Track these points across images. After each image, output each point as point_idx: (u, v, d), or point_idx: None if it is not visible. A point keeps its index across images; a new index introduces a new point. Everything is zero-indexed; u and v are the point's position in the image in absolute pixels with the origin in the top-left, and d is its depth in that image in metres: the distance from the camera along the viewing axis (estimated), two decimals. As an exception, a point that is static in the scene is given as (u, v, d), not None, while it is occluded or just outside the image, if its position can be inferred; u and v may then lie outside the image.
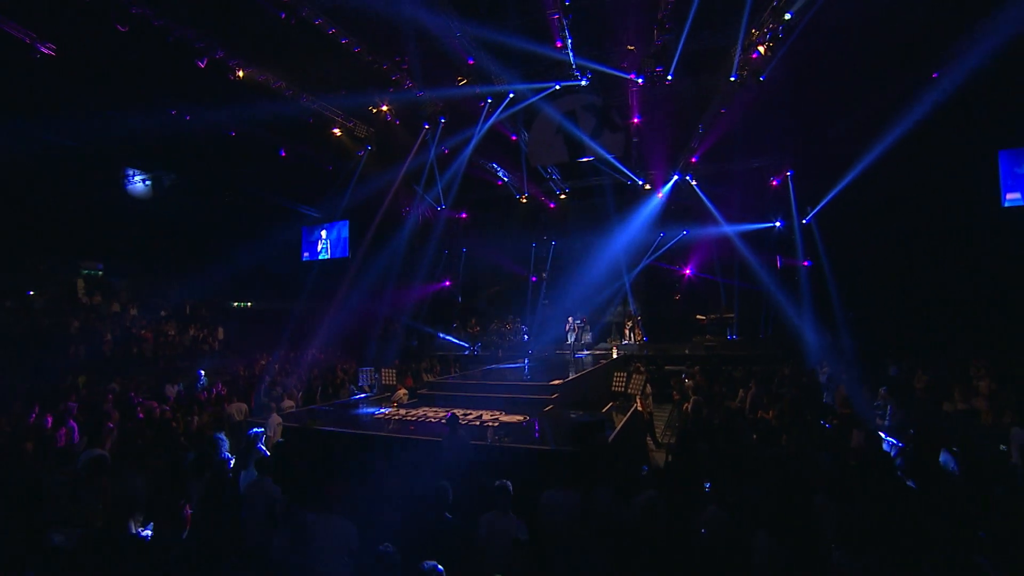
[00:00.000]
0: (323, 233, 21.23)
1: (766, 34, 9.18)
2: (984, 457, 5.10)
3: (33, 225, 15.21)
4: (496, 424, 6.49)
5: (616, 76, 11.52)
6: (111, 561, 3.42)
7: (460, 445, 5.46)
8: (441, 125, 14.49)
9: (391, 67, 11.79)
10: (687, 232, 17.55)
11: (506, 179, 17.78)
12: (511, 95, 12.86)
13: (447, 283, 21.47)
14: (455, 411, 6.59)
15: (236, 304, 21.25)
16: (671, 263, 18.32)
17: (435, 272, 20.53)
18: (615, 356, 13.29)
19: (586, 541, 3.11)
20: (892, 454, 5.48)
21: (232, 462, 5.73)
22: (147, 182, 18.94)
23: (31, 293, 14.90)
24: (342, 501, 3.45)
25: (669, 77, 10.69)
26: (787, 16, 8.59)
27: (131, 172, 18.45)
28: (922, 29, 10.02)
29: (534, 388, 8.33)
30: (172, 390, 10.36)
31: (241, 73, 11.18)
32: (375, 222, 17.93)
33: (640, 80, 11.16)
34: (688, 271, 18.13)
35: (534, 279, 20.39)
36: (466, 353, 17.00)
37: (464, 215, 20.45)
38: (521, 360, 13.01)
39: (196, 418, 8.14)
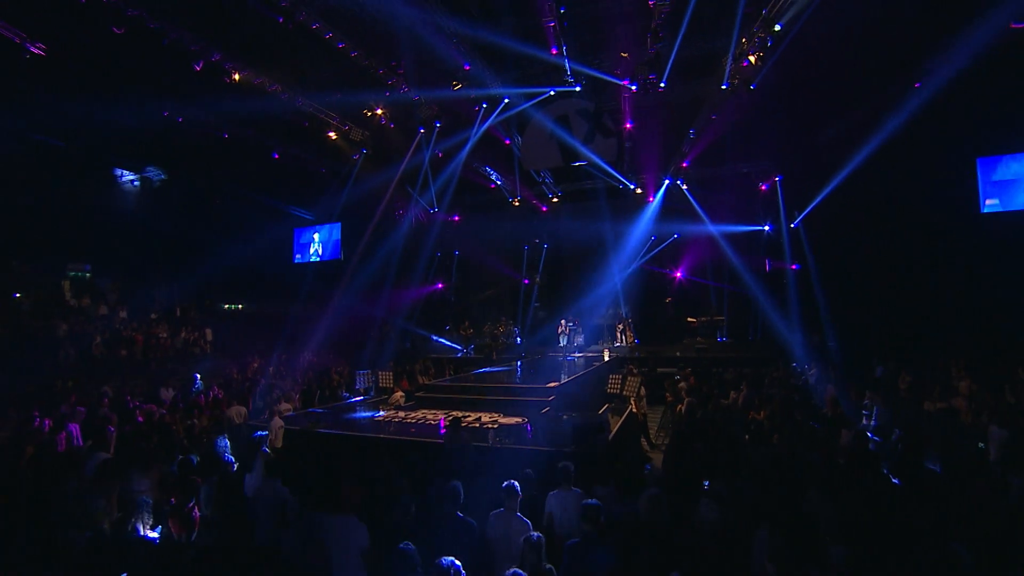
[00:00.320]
0: (315, 235, 21.20)
1: (756, 44, 9.43)
2: (964, 454, 5.33)
3: (19, 226, 14.96)
4: (496, 426, 6.62)
5: (609, 82, 11.71)
6: (121, 563, 3.47)
7: (462, 446, 5.59)
8: (436, 129, 14.58)
9: (387, 71, 11.85)
10: (677, 235, 17.82)
11: (499, 182, 17.88)
12: (506, 100, 13.00)
13: (440, 285, 21.52)
14: (454, 413, 6.71)
15: (226, 306, 21.06)
16: (662, 266, 18.56)
17: (428, 274, 20.57)
18: (607, 358, 13.45)
19: (593, 538, 3.24)
20: (878, 453, 5.70)
21: (235, 465, 5.79)
22: (135, 182, 18.76)
23: (17, 296, 14.65)
24: (356, 502, 3.54)
25: (662, 84, 10.89)
26: (777, 27, 8.84)
27: (119, 172, 18.26)
28: (905, 40, 10.38)
29: (531, 391, 8.47)
30: (167, 393, 10.31)
31: (237, 76, 11.15)
32: (370, 225, 17.95)
33: (633, 87, 11.35)
34: (679, 274, 18.38)
35: (526, 282, 20.52)
36: (459, 355, 17.09)
37: (456, 218, 20.51)
38: (513, 363, 13.13)
39: (196, 421, 8.13)
